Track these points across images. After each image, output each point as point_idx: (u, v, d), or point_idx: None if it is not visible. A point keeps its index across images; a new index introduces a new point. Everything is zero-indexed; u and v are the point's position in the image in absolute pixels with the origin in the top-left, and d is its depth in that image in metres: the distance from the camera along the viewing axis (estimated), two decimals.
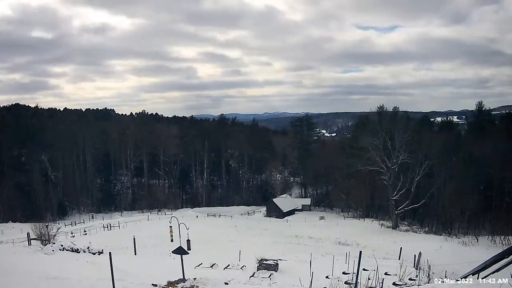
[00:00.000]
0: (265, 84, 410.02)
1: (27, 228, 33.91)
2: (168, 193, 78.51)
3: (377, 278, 14.29)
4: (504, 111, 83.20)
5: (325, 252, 31.88)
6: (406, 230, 51.72)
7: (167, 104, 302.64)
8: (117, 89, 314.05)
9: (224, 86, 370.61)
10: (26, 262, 17.18)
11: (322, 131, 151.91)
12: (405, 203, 54.04)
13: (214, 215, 62.01)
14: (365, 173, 59.01)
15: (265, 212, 67.02)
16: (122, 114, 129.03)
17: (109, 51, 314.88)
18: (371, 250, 30.53)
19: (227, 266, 21.90)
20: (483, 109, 71.22)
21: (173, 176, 79.21)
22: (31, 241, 29.98)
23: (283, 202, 68.14)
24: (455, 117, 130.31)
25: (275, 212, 64.42)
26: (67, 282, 13.06)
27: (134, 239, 28.93)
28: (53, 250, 21.35)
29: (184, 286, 12.01)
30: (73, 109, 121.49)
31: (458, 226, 52.97)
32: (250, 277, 18.63)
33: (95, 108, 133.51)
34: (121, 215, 65.42)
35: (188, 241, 30.27)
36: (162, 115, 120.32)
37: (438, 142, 54.53)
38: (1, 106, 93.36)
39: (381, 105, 68.63)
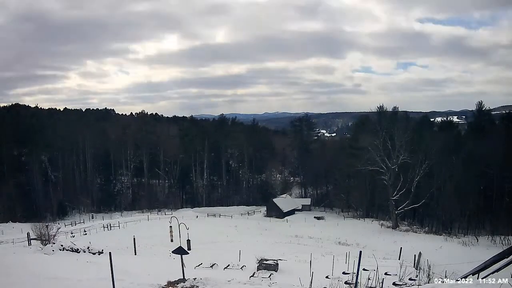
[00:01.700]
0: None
1: (27, 228, 33.94)
2: (168, 193, 78.57)
3: (377, 278, 14.32)
4: (504, 111, 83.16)
5: (325, 252, 31.89)
6: (406, 230, 51.77)
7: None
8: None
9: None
10: (26, 262, 17.13)
11: (322, 131, 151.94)
12: (405, 203, 54.06)
13: (214, 215, 62.01)
14: (365, 173, 59.02)
15: (265, 212, 66.99)
16: (122, 114, 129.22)
17: None
18: (371, 250, 30.61)
19: (227, 266, 21.91)
20: (483, 109, 71.25)
21: (173, 176, 79.19)
22: (31, 241, 29.94)
23: (283, 202, 68.11)
24: (455, 117, 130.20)
25: (275, 212, 64.38)
26: (67, 282, 13.05)
27: (134, 239, 28.87)
28: (53, 250, 21.29)
29: (184, 286, 11.99)
30: (73, 109, 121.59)
31: (458, 226, 53.04)
32: (250, 277, 18.60)
33: (95, 108, 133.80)
34: (121, 215, 65.46)
35: (188, 241, 30.31)
36: (162, 115, 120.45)
37: (438, 142, 54.45)
38: (1, 106, 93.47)
39: (381, 105, 68.96)
